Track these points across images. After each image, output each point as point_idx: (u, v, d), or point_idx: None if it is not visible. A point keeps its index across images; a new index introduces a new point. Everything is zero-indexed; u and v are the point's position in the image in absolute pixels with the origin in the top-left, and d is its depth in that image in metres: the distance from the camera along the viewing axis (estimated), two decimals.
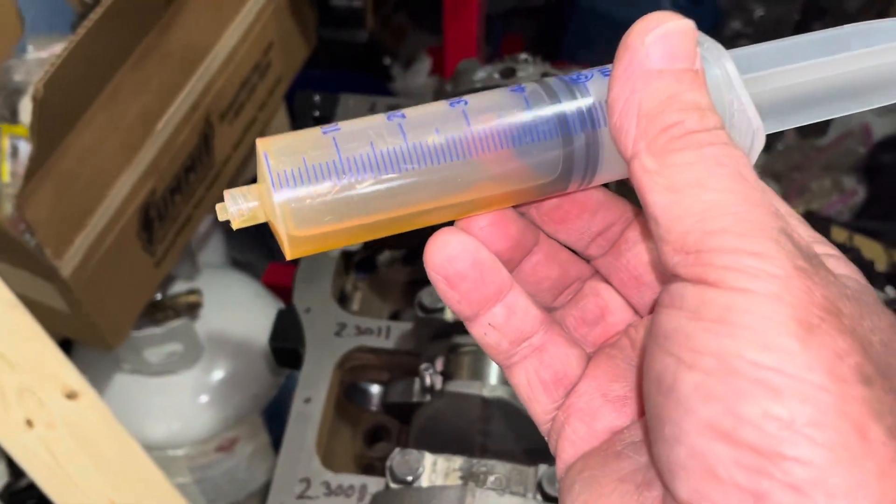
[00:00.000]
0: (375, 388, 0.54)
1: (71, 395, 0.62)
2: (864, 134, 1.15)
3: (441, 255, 0.22)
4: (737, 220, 0.18)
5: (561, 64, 0.69)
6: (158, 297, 0.85)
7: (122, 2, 0.61)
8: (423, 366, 0.46)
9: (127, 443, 0.62)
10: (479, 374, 0.45)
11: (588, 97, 0.22)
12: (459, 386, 0.45)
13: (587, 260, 0.26)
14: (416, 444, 0.44)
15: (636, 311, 0.25)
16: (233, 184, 0.89)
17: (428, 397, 0.46)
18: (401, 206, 0.21)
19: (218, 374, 0.88)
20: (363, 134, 0.21)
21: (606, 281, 0.25)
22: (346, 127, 0.21)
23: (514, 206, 0.23)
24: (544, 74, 0.54)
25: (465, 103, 0.22)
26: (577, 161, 0.22)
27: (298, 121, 0.70)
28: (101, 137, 0.68)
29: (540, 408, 0.24)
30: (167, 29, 0.72)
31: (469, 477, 0.40)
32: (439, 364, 0.47)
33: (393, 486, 0.41)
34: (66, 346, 0.80)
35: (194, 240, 0.93)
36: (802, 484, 0.16)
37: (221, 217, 0.22)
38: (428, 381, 0.46)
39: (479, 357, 0.46)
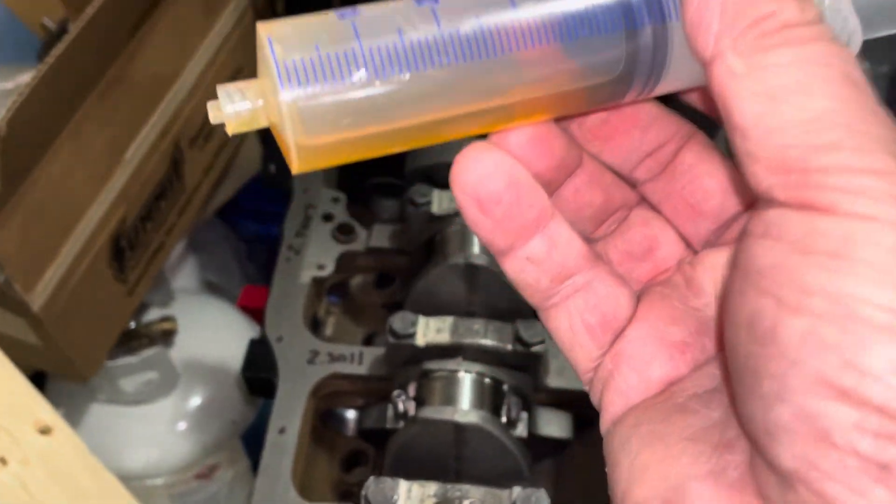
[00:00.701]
0: (351, 414, 0.54)
1: (44, 431, 0.62)
2: None
3: (472, 173, 0.19)
4: (850, 133, 0.15)
5: None
6: (132, 325, 0.85)
7: (86, 33, 0.61)
8: (396, 392, 0.47)
9: (103, 476, 0.62)
10: (451, 399, 0.46)
11: None
12: (432, 412, 0.45)
13: (632, 184, 0.23)
14: (391, 471, 0.44)
15: (688, 245, 0.22)
16: (204, 210, 0.89)
17: (401, 423, 0.46)
18: (430, 110, 0.18)
19: (195, 401, 0.87)
20: (388, 20, 0.18)
21: (654, 209, 0.22)
22: (366, 11, 0.18)
23: (555, 120, 0.20)
24: None
25: None
26: (642, 62, 0.19)
27: (269, 152, 0.70)
28: (68, 169, 0.67)
29: (583, 354, 0.21)
30: (133, 58, 0.72)
31: (444, 503, 0.41)
32: (412, 390, 0.47)
33: None
34: (40, 378, 0.79)
35: (167, 265, 0.92)
36: None
37: (214, 119, 0.18)
38: (401, 407, 0.46)
39: (450, 382, 0.46)
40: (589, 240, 0.22)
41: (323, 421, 0.55)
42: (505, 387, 0.47)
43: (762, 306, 0.16)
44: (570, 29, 0.18)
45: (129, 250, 0.76)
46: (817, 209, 0.15)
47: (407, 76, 0.17)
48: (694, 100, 0.21)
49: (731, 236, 0.21)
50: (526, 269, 0.20)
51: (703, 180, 0.21)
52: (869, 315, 0.14)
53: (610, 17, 0.18)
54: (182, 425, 0.86)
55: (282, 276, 0.57)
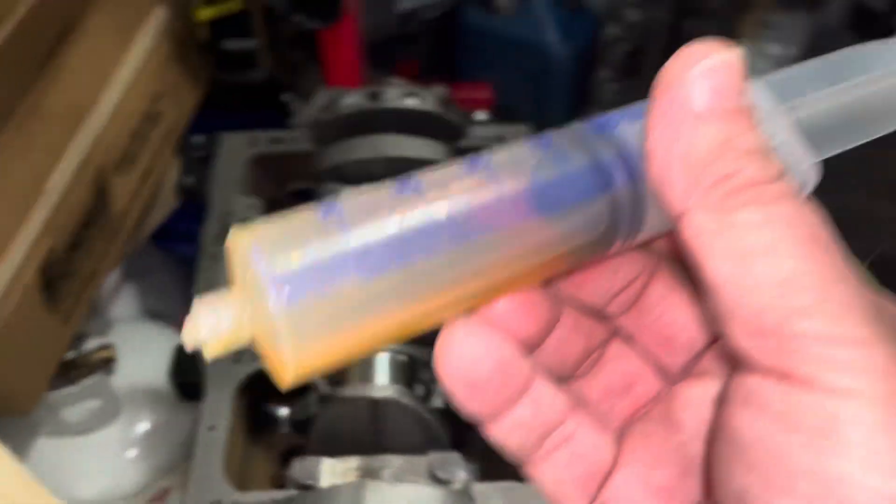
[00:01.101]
0: (284, 410, 0.56)
1: None
2: None
3: (458, 358, 0.19)
4: (822, 297, 0.15)
5: (455, 84, 0.70)
6: (71, 355, 0.85)
7: None
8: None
9: (48, 501, 0.62)
10: (367, 377, 0.48)
11: (619, 145, 0.19)
12: (348, 391, 0.47)
13: (604, 317, 0.22)
14: (316, 452, 0.46)
15: (665, 375, 0.22)
16: (135, 238, 0.89)
17: None
18: (428, 297, 0.18)
19: (142, 427, 0.87)
20: (373, 214, 0.17)
21: (629, 341, 0.23)
22: (349, 206, 0.18)
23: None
24: (410, 94, 0.57)
25: (487, 165, 0.19)
26: (622, 220, 0.19)
27: (186, 165, 0.72)
28: None
29: None
30: (48, 87, 0.73)
31: (366, 474, 0.43)
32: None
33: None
34: None
35: (105, 294, 0.93)
36: None
37: (190, 343, 0.17)
38: (322, 391, 0.48)
39: (366, 362, 0.48)
40: (566, 379, 0.22)
41: (259, 421, 0.57)
42: (419, 363, 0.49)
43: (748, 483, 0.16)
44: (553, 198, 0.18)
45: (59, 280, 0.77)
46: (798, 381, 0.15)
47: (399, 271, 0.17)
48: (663, 246, 0.22)
49: (704, 367, 0.21)
50: (512, 433, 0.20)
51: (672, 313, 0.22)
52: (859, 500, 0.14)
53: (586, 184, 0.19)
54: (131, 452, 0.86)
55: (203, 283, 0.58)
